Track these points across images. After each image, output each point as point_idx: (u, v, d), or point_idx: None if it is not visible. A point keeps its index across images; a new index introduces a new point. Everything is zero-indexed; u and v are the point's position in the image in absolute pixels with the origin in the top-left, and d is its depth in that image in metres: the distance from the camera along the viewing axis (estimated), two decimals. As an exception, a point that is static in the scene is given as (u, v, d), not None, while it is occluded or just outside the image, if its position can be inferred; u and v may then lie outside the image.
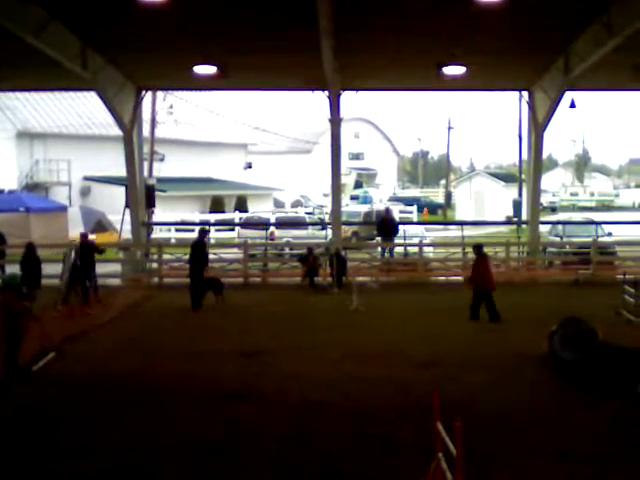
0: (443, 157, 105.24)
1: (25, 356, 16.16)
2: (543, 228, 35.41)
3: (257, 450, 11.44)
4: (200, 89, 42.51)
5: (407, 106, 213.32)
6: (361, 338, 19.38)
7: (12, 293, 15.98)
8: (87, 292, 24.09)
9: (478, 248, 22.71)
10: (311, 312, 23.56)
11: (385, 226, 33.14)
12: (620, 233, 35.56)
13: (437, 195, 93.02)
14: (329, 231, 35.48)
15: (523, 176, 47.85)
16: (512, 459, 11.02)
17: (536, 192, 32.60)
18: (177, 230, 46.83)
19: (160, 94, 45.94)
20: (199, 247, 24.99)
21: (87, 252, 24.45)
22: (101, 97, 29.50)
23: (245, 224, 45.24)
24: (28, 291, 21.72)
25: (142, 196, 32.22)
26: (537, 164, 32.40)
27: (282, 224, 43.50)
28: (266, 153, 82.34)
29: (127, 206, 32.66)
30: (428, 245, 34.82)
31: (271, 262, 33.51)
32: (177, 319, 22.68)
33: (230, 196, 62.68)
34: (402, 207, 67.78)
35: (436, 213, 78.15)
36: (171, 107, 54.44)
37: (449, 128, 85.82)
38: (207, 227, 30.54)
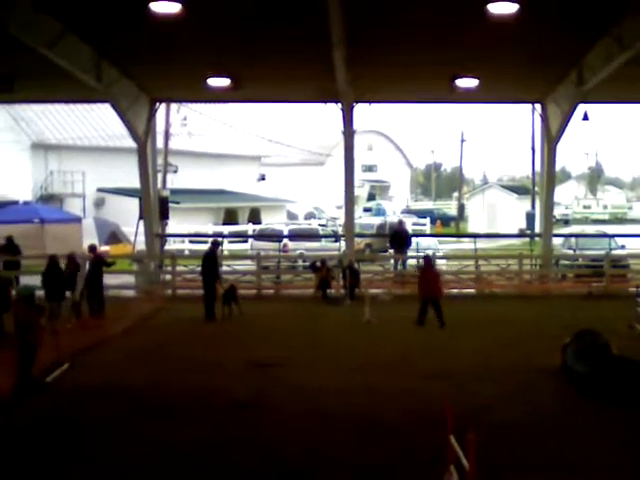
0: (456, 169, 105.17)
1: (39, 367, 16.23)
2: (556, 241, 35.36)
3: (266, 460, 11.46)
4: (213, 101, 42.61)
5: (420, 118, 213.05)
6: (373, 350, 19.41)
7: (24, 305, 16.09)
8: (102, 304, 24.06)
9: (426, 259, 24.80)
10: (324, 324, 23.59)
11: (398, 238, 33.16)
12: (633, 246, 35.49)
13: (450, 207, 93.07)
14: (342, 243, 35.51)
15: (536, 189, 48.00)
16: (524, 472, 11.00)
17: (549, 205, 32.52)
18: (191, 242, 46.97)
19: (174, 106, 46.07)
20: (210, 259, 25.16)
21: (96, 265, 24.41)
22: (115, 109, 29.61)
23: (258, 236, 45.35)
24: (52, 305, 21.94)
25: (156, 208, 32.31)
26: (550, 176, 32.36)
27: (295, 236, 43.58)
28: (279, 165, 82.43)
29: (141, 218, 32.77)
30: (441, 258, 34.78)
31: (284, 274, 33.54)
32: (190, 330, 22.75)
33: (243, 208, 62.79)
34: (415, 219, 67.87)
35: (449, 225, 78.19)
36: (185, 119, 54.51)
37: (462, 140, 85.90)
38: (219, 239, 30.55)
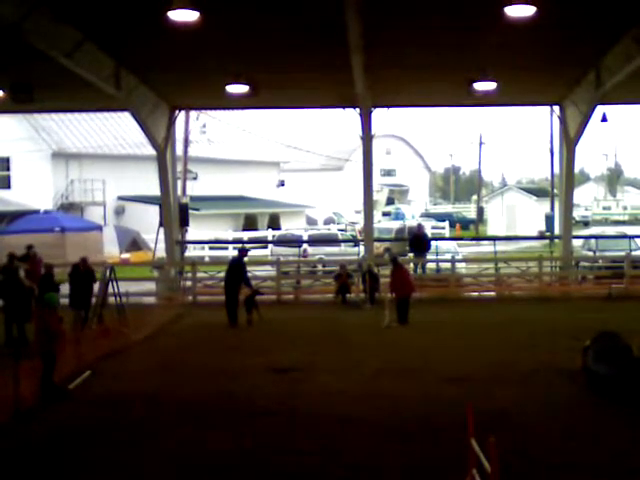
0: (474, 172, 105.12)
1: (61, 375, 16.35)
2: (576, 242, 35.28)
3: (289, 466, 11.49)
4: (232, 108, 42.75)
5: (438, 122, 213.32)
6: (393, 354, 19.45)
7: (54, 312, 16.19)
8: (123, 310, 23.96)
9: (393, 259, 25.87)
10: (344, 328, 23.64)
11: (417, 242, 33.14)
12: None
13: (469, 210, 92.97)
14: (361, 248, 35.55)
15: (555, 190, 47.88)
16: (546, 475, 11.00)
17: (568, 206, 32.49)
18: (211, 248, 47.12)
19: (193, 113, 46.27)
20: (237, 266, 25.20)
21: (86, 277, 23.87)
22: (135, 117, 29.78)
23: (278, 241, 45.44)
24: (75, 313, 22.17)
25: (176, 215, 32.45)
26: (569, 178, 32.31)
27: (315, 241, 43.64)
28: (298, 171, 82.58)
29: (161, 225, 32.92)
30: (460, 261, 34.77)
31: (304, 279, 33.62)
32: (211, 336, 22.83)
33: (263, 214, 62.93)
34: (434, 223, 67.82)
35: (468, 228, 78.13)
36: (204, 126, 54.82)
37: (480, 143, 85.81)
38: (247, 246, 30.66)
